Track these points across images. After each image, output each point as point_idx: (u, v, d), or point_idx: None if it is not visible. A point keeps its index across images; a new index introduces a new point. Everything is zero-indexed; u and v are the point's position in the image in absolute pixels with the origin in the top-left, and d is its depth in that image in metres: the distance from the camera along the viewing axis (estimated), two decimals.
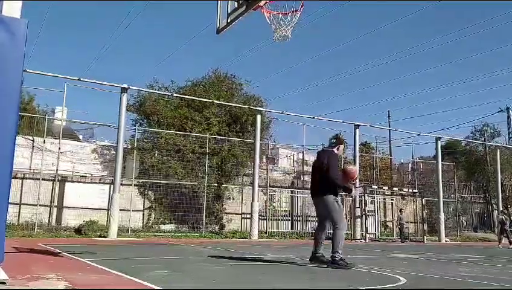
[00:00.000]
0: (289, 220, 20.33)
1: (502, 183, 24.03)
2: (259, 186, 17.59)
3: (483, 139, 27.71)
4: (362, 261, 7.64)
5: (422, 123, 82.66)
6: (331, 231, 6.29)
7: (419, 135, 23.48)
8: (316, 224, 6.70)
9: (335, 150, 6.48)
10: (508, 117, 31.11)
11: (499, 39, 65.31)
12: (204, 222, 17.51)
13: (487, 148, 26.98)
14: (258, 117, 17.49)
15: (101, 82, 15.25)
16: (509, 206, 26.54)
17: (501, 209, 17.55)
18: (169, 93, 18.99)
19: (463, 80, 77.45)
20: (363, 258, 8.79)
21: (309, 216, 20.36)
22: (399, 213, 20.67)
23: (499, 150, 23.70)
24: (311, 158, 29.40)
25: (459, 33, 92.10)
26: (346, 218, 21.00)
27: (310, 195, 6.70)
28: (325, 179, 6.16)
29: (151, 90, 19.01)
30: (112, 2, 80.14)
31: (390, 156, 29.59)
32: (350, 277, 5.31)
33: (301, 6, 6.67)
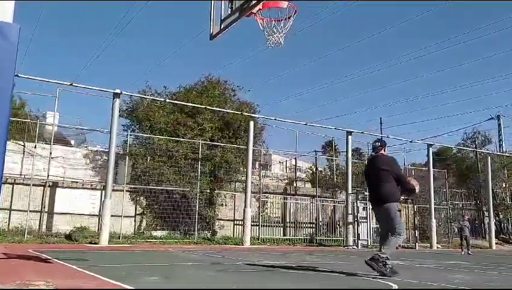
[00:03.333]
0: (281, 226, 20.29)
1: (492, 190, 24.19)
2: (251, 192, 17.56)
3: (474, 146, 27.90)
4: (354, 268, 7.65)
5: (414, 130, 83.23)
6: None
7: (411, 141, 23.59)
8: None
9: (383, 152, 6.45)
10: (499, 125, 31.40)
11: (491, 47, 66.11)
12: (196, 228, 17.42)
13: (478, 156, 27.17)
14: (251, 123, 17.48)
15: (93, 87, 15.16)
16: (500, 213, 26.73)
17: (465, 215, 17.61)
18: (162, 99, 18.95)
19: (455, 88, 78.09)
20: (355, 264, 8.79)
21: (301, 222, 20.34)
22: None
23: (489, 157, 23.88)
24: (303, 164, 29.43)
25: (450, 41, 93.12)
26: (339, 225, 21.11)
27: (370, 203, 6.61)
28: (388, 186, 6.01)
29: (143, 96, 18.92)
30: (105, 4, 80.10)
31: None
32: (344, 283, 5.30)
33: (294, 13, 6.71)
